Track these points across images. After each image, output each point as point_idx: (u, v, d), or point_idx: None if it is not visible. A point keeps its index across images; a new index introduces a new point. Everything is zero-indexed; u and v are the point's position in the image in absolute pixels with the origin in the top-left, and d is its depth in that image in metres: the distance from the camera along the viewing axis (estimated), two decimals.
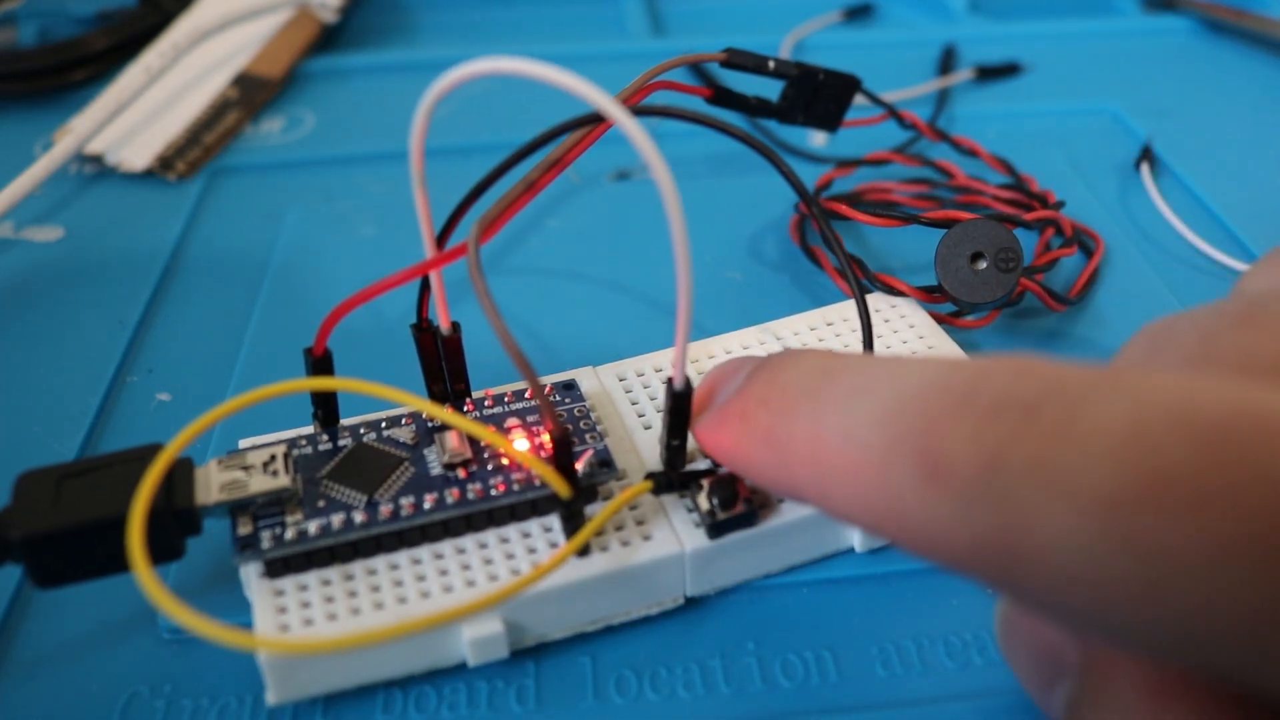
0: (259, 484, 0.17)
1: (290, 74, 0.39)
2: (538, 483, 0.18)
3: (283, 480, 0.18)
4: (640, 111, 0.20)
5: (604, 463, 0.19)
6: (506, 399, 0.20)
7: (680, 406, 0.18)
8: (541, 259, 0.29)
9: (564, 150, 0.19)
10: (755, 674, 0.18)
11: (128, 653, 0.19)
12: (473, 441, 0.19)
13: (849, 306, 0.24)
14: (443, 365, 0.20)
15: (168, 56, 0.37)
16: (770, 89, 0.25)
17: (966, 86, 0.38)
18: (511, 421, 0.20)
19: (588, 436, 0.19)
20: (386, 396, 0.17)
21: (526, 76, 0.15)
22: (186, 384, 0.25)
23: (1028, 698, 0.16)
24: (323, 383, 0.18)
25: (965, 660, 0.18)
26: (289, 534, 0.17)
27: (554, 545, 0.18)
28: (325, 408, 0.19)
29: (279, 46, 0.39)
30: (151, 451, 0.17)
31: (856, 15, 0.44)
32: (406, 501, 0.18)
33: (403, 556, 0.18)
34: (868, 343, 0.21)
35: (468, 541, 0.18)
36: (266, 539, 0.17)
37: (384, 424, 0.19)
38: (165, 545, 0.17)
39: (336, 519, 0.18)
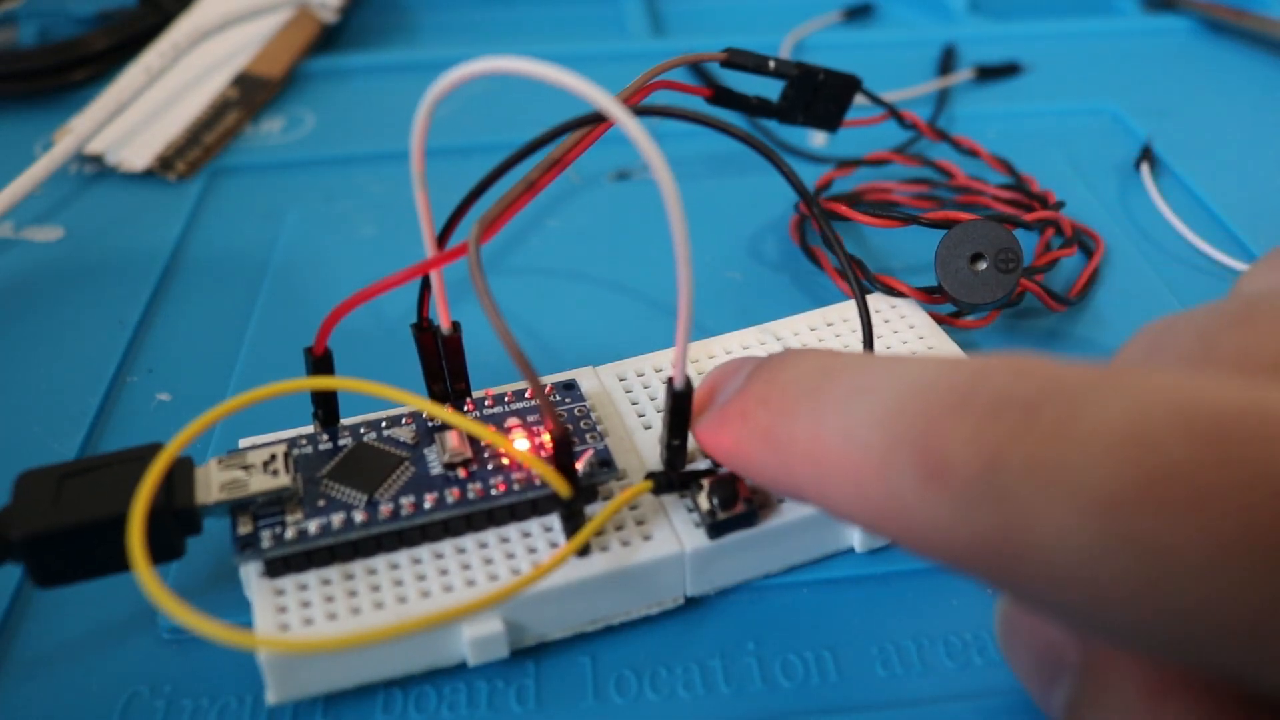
0: (259, 483, 0.17)
1: (290, 74, 0.39)
2: (538, 482, 0.18)
3: (283, 480, 0.18)
4: (640, 111, 0.20)
5: (604, 462, 0.19)
6: (507, 399, 0.20)
7: (680, 406, 0.18)
8: (541, 259, 0.29)
9: (564, 150, 0.19)
10: (755, 674, 0.18)
11: (128, 653, 0.19)
12: (473, 441, 0.19)
13: (849, 307, 0.24)
14: (443, 365, 0.20)
15: (168, 56, 0.37)
16: (770, 89, 0.25)
17: (966, 86, 0.38)
18: (512, 421, 0.20)
19: (588, 436, 0.19)
20: (387, 396, 0.17)
21: (527, 76, 0.15)
22: (186, 384, 0.25)
23: (1028, 698, 0.16)
24: (323, 382, 0.18)
25: (965, 660, 0.18)
26: (289, 533, 0.17)
27: (554, 545, 0.18)
28: (325, 407, 0.19)
29: (279, 46, 0.39)
30: (151, 451, 0.17)
31: (856, 15, 0.44)
32: (407, 501, 0.18)
33: (403, 556, 0.18)
34: (868, 343, 0.21)
35: (468, 541, 0.18)
36: (266, 538, 0.17)
37: (384, 423, 0.19)
38: (165, 545, 0.17)
39: (337, 518, 0.18)
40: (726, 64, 0.24)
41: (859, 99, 0.26)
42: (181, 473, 0.17)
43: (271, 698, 0.17)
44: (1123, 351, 0.15)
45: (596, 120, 0.19)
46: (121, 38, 0.38)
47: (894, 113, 0.28)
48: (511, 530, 0.18)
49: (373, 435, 0.19)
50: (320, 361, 0.19)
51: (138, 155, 0.33)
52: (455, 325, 0.20)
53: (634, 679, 0.18)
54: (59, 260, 0.29)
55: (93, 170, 0.33)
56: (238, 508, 0.18)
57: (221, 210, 0.31)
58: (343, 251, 0.29)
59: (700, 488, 0.18)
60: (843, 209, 0.25)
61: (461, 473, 0.18)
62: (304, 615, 0.17)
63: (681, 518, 0.19)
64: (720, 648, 0.19)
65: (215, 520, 0.18)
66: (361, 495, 0.18)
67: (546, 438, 0.19)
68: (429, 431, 0.19)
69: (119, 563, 0.16)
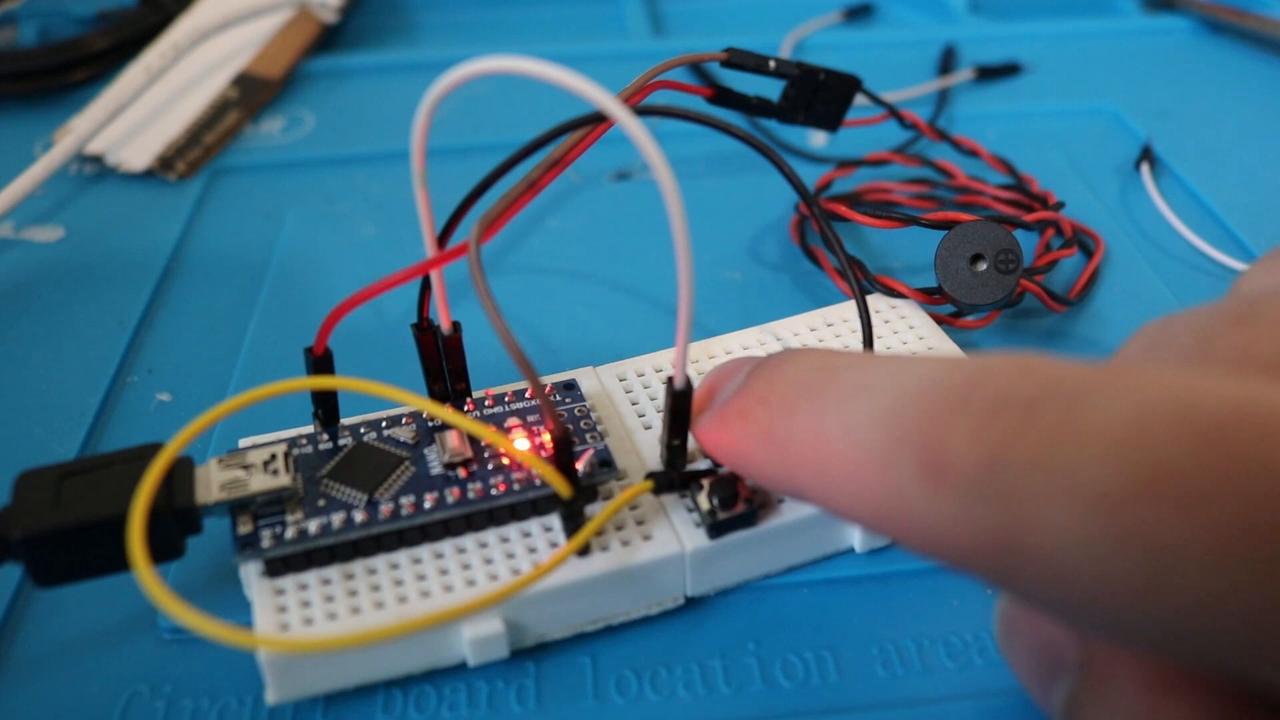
0: (259, 483, 0.17)
1: (290, 74, 0.39)
2: (538, 482, 0.18)
3: (283, 479, 0.18)
4: (641, 111, 0.20)
5: (604, 462, 0.19)
6: (507, 398, 0.20)
7: (681, 406, 0.18)
8: (541, 259, 0.29)
9: (565, 150, 0.19)
10: (755, 674, 0.18)
11: (128, 653, 0.19)
12: (473, 441, 0.19)
13: (849, 307, 0.24)
14: (443, 365, 0.20)
15: (168, 56, 0.37)
16: (771, 89, 0.25)
17: (966, 86, 0.38)
18: (512, 421, 0.20)
19: (588, 436, 0.19)
20: (387, 396, 0.17)
21: (527, 75, 0.15)
22: (186, 384, 0.25)
23: (1028, 698, 0.16)
24: (323, 382, 0.18)
25: (965, 660, 0.18)
26: (289, 533, 0.17)
27: (554, 545, 0.18)
28: (326, 407, 0.19)
29: (279, 46, 0.39)
30: (151, 450, 0.17)
31: (856, 15, 0.44)
32: (407, 501, 0.18)
33: (403, 556, 0.18)
34: (868, 343, 0.21)
35: (468, 541, 0.18)
36: (267, 538, 0.17)
37: (384, 423, 0.19)
38: (165, 544, 0.17)
39: (337, 518, 0.18)
40: (727, 64, 0.24)
41: (859, 99, 0.26)
42: (181, 472, 0.17)
43: (271, 698, 0.17)
44: (1122, 350, 0.15)
45: (597, 120, 0.19)
46: (121, 38, 0.38)
47: (894, 113, 0.28)
48: (512, 530, 0.18)
49: (373, 435, 0.19)
50: (320, 361, 0.19)
51: (138, 155, 0.33)
52: (455, 325, 0.20)
53: (634, 679, 0.18)
54: (59, 260, 0.29)
55: (93, 170, 0.33)
56: (238, 507, 0.18)
57: (221, 210, 0.31)
58: (343, 251, 0.29)
59: (700, 488, 0.18)
60: (843, 209, 0.25)
61: (462, 472, 0.18)
62: (304, 615, 0.17)
63: (682, 518, 0.19)
64: (720, 648, 0.19)
65: (215, 520, 0.18)
66: (362, 495, 0.18)
67: (547, 438, 0.19)
68: (429, 431, 0.19)
69: (119, 563, 0.16)
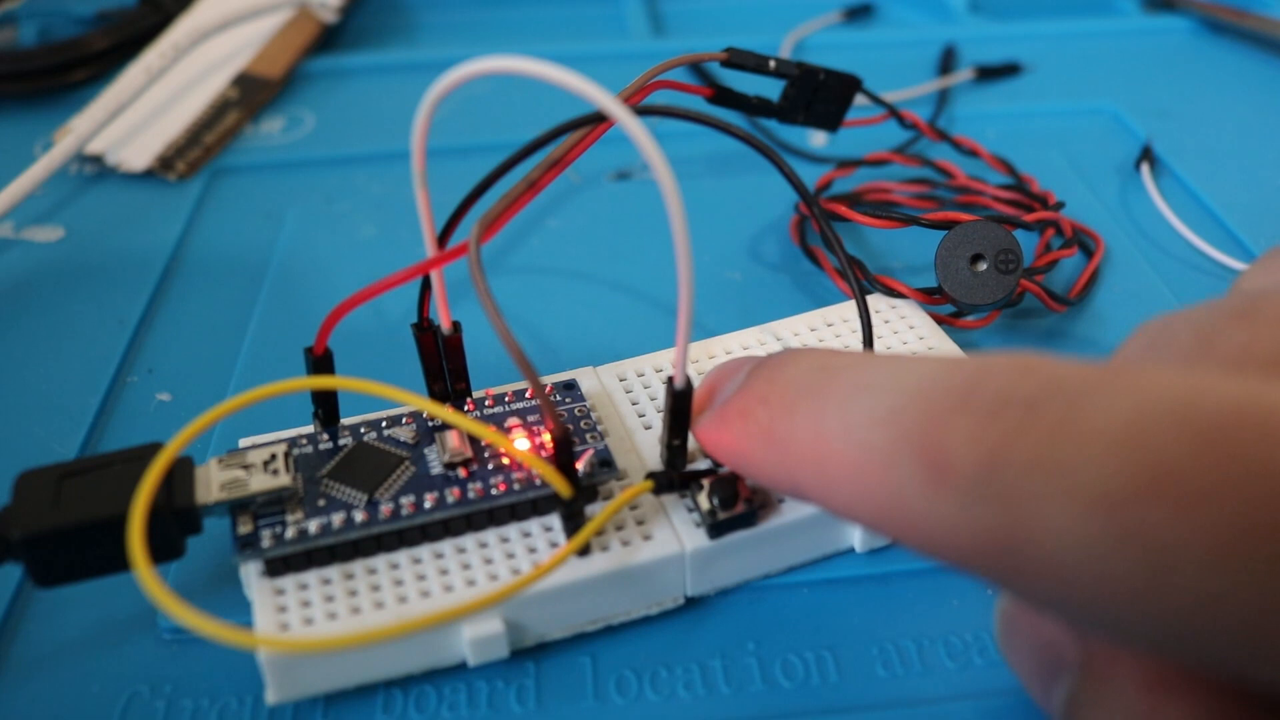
0: (259, 483, 0.17)
1: (290, 74, 0.39)
2: (538, 482, 0.18)
3: (283, 479, 0.18)
4: (641, 111, 0.20)
5: (604, 462, 0.19)
6: (507, 398, 0.20)
7: (681, 406, 0.18)
8: (541, 259, 0.29)
9: (565, 150, 0.19)
10: (755, 674, 0.18)
11: (128, 653, 0.19)
12: (473, 441, 0.19)
13: (849, 307, 0.24)
14: (443, 365, 0.20)
15: (168, 56, 0.37)
16: (771, 89, 0.25)
17: (966, 86, 0.38)
18: (512, 421, 0.20)
19: (588, 436, 0.19)
20: (387, 395, 0.17)
21: (527, 75, 0.15)
22: (186, 384, 0.25)
23: (1028, 698, 0.16)
24: (323, 381, 0.18)
25: (965, 660, 0.18)
26: (289, 533, 0.17)
27: (554, 545, 0.18)
28: (326, 407, 0.19)
29: (279, 46, 0.39)
30: (151, 450, 0.17)
31: (856, 15, 0.44)
32: (407, 501, 0.18)
33: (403, 556, 0.18)
34: (868, 343, 0.21)
35: (468, 541, 0.18)
36: (267, 538, 0.17)
37: (384, 423, 0.19)
38: (165, 544, 0.17)
39: (337, 518, 0.18)
40: (727, 64, 0.24)
41: (859, 99, 0.26)
42: (181, 472, 0.17)
43: (271, 698, 0.17)
44: (1121, 349, 0.15)
45: (597, 120, 0.19)
46: (121, 38, 0.38)
47: (894, 113, 0.28)
48: (512, 530, 0.18)
49: (373, 435, 0.19)
50: (320, 361, 0.19)
51: (138, 155, 0.33)
52: (456, 325, 0.20)
53: (634, 679, 0.18)
54: (59, 260, 0.29)
55: (93, 170, 0.33)
56: (238, 507, 0.18)
57: (221, 210, 0.31)
58: (343, 251, 0.29)
59: (700, 488, 0.18)
60: (843, 209, 0.25)
61: (462, 472, 0.18)
62: (304, 615, 0.17)
63: (682, 518, 0.19)
64: (720, 648, 0.19)
65: (215, 520, 0.18)
66: (362, 495, 0.18)
67: (547, 438, 0.19)
68: (429, 431, 0.19)
69: (119, 563, 0.16)
